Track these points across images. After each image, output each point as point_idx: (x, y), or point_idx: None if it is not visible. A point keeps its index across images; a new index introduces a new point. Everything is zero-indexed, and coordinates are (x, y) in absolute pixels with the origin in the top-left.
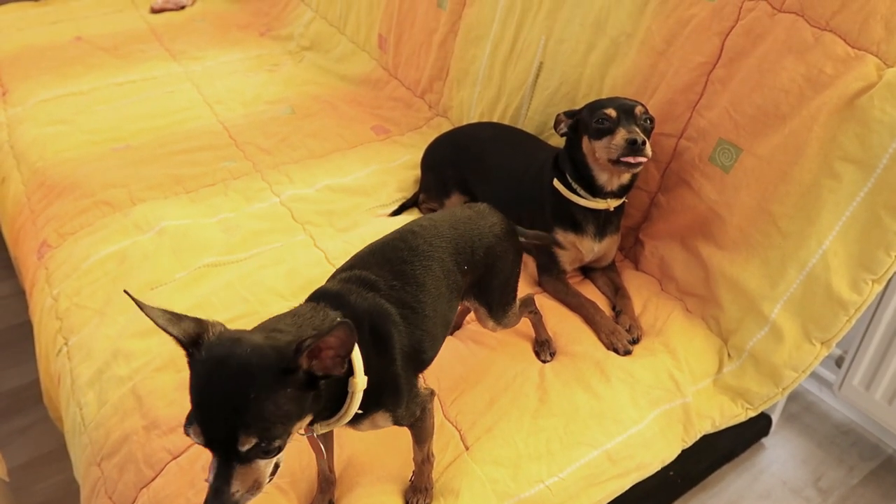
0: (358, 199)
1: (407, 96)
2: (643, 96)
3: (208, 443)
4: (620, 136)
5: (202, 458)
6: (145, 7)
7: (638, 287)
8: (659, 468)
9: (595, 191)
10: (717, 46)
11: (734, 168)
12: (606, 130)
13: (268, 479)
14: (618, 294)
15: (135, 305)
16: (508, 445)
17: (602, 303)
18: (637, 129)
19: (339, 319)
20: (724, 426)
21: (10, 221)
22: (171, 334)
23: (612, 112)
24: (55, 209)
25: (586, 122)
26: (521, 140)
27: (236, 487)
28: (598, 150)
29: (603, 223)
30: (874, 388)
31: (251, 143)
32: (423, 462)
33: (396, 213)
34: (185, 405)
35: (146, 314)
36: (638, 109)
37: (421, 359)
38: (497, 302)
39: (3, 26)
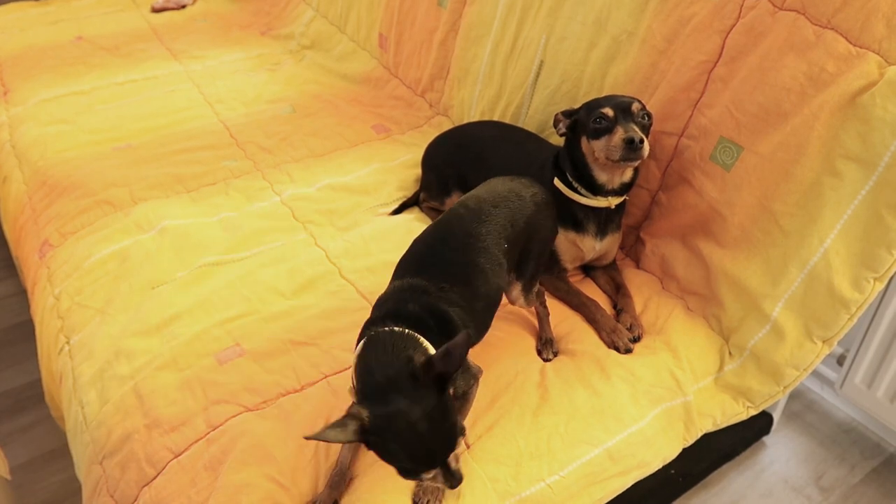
0: (359, 198)
1: (407, 95)
2: (644, 95)
3: None
4: (618, 135)
5: (203, 457)
6: (146, 6)
7: (639, 285)
8: (660, 466)
9: (596, 189)
10: (718, 45)
11: (735, 166)
12: (604, 130)
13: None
14: (619, 292)
15: (135, 304)
16: (509, 444)
17: (603, 301)
18: (635, 127)
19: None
20: (725, 424)
21: (12, 221)
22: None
23: (609, 111)
24: (56, 208)
25: (584, 122)
26: (522, 139)
27: None
28: (596, 151)
29: (604, 221)
30: (876, 386)
31: (252, 142)
32: None
33: (397, 211)
34: (185, 404)
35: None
36: (635, 106)
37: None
38: (531, 274)
39: (5, 26)
